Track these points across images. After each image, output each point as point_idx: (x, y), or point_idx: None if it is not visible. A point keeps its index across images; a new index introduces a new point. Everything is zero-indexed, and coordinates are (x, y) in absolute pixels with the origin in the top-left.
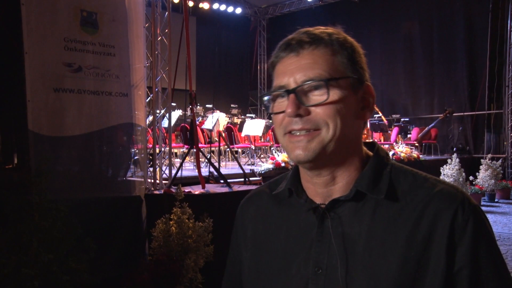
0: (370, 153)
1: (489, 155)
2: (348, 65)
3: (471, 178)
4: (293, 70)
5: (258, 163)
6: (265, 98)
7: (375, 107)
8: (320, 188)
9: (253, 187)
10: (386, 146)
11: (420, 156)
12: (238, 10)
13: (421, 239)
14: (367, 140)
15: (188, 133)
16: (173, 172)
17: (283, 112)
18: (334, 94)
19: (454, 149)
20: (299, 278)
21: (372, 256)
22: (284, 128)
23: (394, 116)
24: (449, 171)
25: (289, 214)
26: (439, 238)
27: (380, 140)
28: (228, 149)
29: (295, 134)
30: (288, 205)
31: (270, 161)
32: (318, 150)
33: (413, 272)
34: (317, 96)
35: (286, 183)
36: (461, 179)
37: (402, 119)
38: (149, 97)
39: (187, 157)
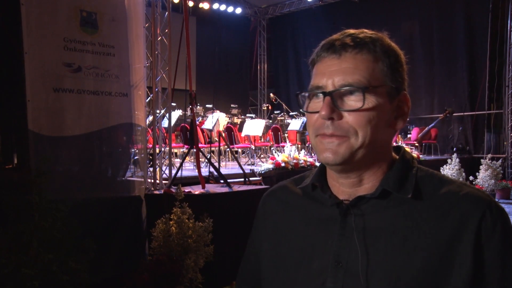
0: (396, 157)
1: (489, 155)
2: (388, 73)
3: (471, 178)
4: (332, 72)
5: (258, 163)
6: (302, 95)
7: None
8: (346, 188)
9: (253, 187)
10: None
11: (420, 156)
12: (238, 10)
13: (446, 239)
14: (393, 144)
15: (188, 133)
16: (173, 172)
17: (317, 112)
18: (369, 102)
19: (454, 149)
20: (319, 271)
21: (394, 252)
22: (316, 130)
23: None
24: (449, 171)
25: (311, 208)
26: (466, 239)
27: None
28: (228, 149)
29: (327, 136)
30: (312, 200)
31: (270, 161)
32: (346, 156)
33: (435, 271)
34: (352, 102)
35: (311, 179)
36: (461, 179)
37: None
38: (149, 97)
39: (187, 157)
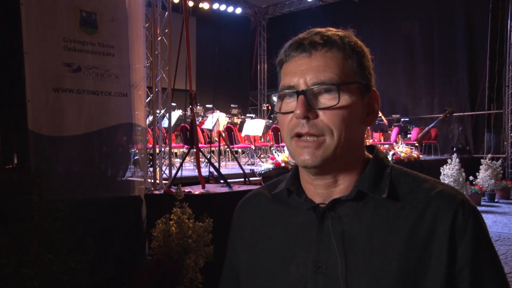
0: (370, 156)
1: (489, 155)
2: (357, 70)
3: (471, 178)
4: (304, 71)
5: (258, 163)
6: (274, 97)
7: None
8: (321, 190)
9: (253, 187)
10: (386, 146)
11: (420, 156)
12: (238, 10)
13: (421, 238)
14: (367, 142)
15: (188, 133)
16: (173, 172)
17: (291, 112)
18: (344, 100)
19: (454, 149)
20: (298, 278)
21: (372, 254)
22: (290, 130)
23: (394, 116)
24: (449, 171)
25: (288, 214)
26: (440, 237)
27: (380, 140)
28: (228, 149)
29: (303, 139)
30: (287, 205)
31: (270, 161)
32: (325, 157)
33: (413, 270)
34: (327, 100)
35: (285, 183)
36: (461, 179)
37: (402, 119)
38: (149, 97)
39: (187, 157)
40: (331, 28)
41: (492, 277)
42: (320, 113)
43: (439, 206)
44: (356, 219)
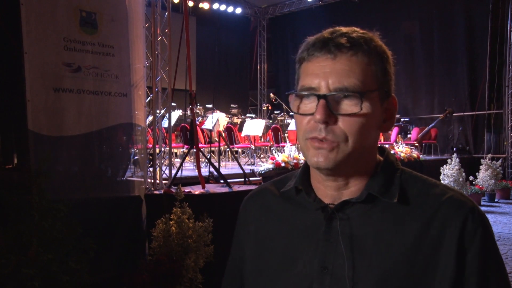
0: (381, 158)
1: (489, 155)
2: (380, 77)
3: (471, 178)
4: (326, 74)
5: (258, 163)
6: (293, 96)
7: None
8: (331, 191)
9: (253, 187)
10: (386, 146)
11: (420, 156)
12: (238, 10)
13: (429, 243)
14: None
15: (188, 133)
16: (173, 172)
17: (309, 114)
18: (365, 107)
19: (454, 149)
20: (304, 277)
21: (379, 257)
22: (307, 132)
23: None
24: (449, 171)
25: (295, 212)
26: (448, 243)
27: (380, 140)
28: (228, 149)
29: (318, 140)
30: (295, 204)
31: (270, 161)
32: (339, 161)
33: (420, 274)
34: (348, 106)
35: (294, 182)
36: (461, 179)
37: (402, 119)
38: (149, 97)
39: (187, 157)
40: (356, 29)
41: (498, 286)
42: (340, 118)
43: (448, 212)
44: (365, 222)
